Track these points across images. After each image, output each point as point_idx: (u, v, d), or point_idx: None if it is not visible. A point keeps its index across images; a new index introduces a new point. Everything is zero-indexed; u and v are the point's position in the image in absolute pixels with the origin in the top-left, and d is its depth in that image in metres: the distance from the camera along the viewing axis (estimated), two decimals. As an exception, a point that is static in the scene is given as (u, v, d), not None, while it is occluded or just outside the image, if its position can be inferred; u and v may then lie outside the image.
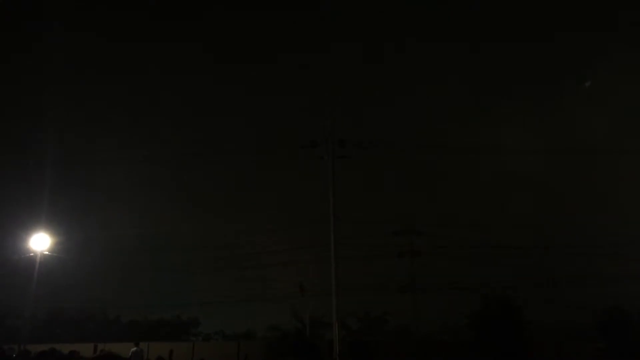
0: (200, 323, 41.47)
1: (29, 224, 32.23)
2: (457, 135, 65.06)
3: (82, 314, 42.04)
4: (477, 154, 44.62)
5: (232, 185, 67.71)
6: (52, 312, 40.83)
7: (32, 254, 30.91)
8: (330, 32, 78.22)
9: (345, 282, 27.72)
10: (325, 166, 27.06)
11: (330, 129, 27.38)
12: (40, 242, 31.04)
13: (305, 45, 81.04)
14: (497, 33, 74.85)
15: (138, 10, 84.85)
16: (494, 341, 24.43)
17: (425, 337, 30.88)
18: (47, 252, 31.32)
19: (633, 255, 29.93)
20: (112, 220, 54.79)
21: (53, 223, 33.09)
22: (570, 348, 26.37)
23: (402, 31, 77.74)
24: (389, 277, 32.80)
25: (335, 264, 25.10)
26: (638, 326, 24.69)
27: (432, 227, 32.42)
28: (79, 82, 71.85)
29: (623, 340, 23.78)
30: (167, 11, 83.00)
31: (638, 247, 31.63)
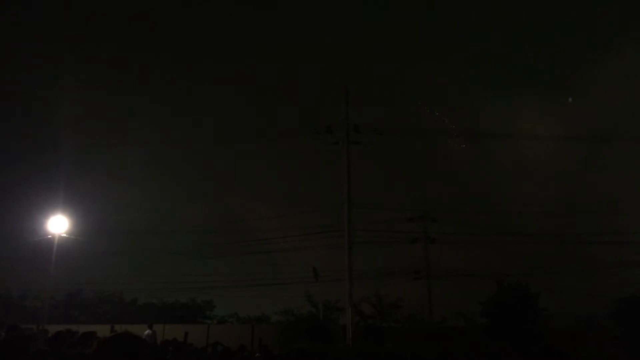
0: (214, 306, 41.84)
1: (47, 206, 32.71)
2: (473, 122, 64.40)
3: (99, 296, 42.64)
4: (492, 141, 44.24)
5: (247, 170, 67.93)
6: (69, 293, 41.46)
7: (50, 236, 31.37)
8: (346, 15, 77.51)
9: (359, 267, 27.80)
10: (340, 152, 27.00)
11: (346, 114, 27.25)
12: (58, 225, 31.46)
13: (320, 29, 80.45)
14: (512, 14, 73.60)
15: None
16: (508, 328, 24.37)
17: (439, 323, 30.86)
18: (64, 235, 31.76)
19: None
20: (129, 204, 55.34)
21: (70, 206, 33.56)
22: (585, 336, 26.19)
23: (417, 17, 76.79)
24: (403, 263, 32.75)
25: (349, 250, 25.13)
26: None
27: (447, 214, 32.32)
28: (96, 64, 72.26)
29: (639, 329, 23.54)
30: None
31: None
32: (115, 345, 3.17)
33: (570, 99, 50.08)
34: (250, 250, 36.65)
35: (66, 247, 32.10)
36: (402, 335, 27.98)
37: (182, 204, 61.07)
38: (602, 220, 33.63)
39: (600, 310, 27.97)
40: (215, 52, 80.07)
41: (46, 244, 31.35)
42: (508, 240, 39.76)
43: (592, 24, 71.28)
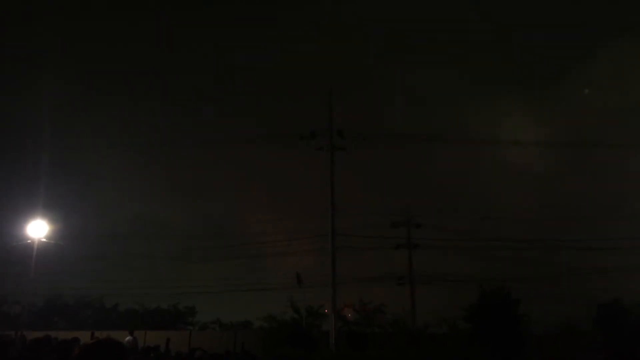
0: (197, 312, 41.41)
1: (26, 210, 32.18)
2: (458, 127, 64.97)
3: (80, 302, 41.99)
4: (477, 146, 44.58)
5: (231, 175, 67.65)
6: (49, 299, 40.78)
7: (29, 241, 30.86)
8: (330, 20, 77.79)
9: (343, 273, 27.75)
10: (324, 157, 27.00)
11: (330, 119, 27.29)
12: (37, 229, 30.95)
13: (303, 34, 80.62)
14: (498, 20, 74.51)
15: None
16: (491, 334, 24.50)
17: (422, 329, 30.91)
18: (44, 239, 31.25)
19: (630, 248, 29.96)
20: (110, 208, 54.76)
21: (50, 210, 33.03)
22: (566, 341, 26.43)
23: (403, 20, 77.30)
24: (387, 268, 32.77)
25: (333, 255, 25.11)
26: (635, 319, 24.76)
27: (431, 219, 32.36)
28: (77, 66, 71.51)
29: (620, 334, 23.85)
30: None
31: (634, 241, 31.64)
32: (97, 351, 3.12)
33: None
34: (233, 255, 36.39)
35: (46, 251, 31.62)
36: (385, 341, 27.97)
37: (165, 208, 60.56)
38: (584, 226, 34.00)
39: (582, 315, 28.28)
40: (200, 53, 79.83)
41: (25, 249, 30.86)
42: (491, 246, 40.01)
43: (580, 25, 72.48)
